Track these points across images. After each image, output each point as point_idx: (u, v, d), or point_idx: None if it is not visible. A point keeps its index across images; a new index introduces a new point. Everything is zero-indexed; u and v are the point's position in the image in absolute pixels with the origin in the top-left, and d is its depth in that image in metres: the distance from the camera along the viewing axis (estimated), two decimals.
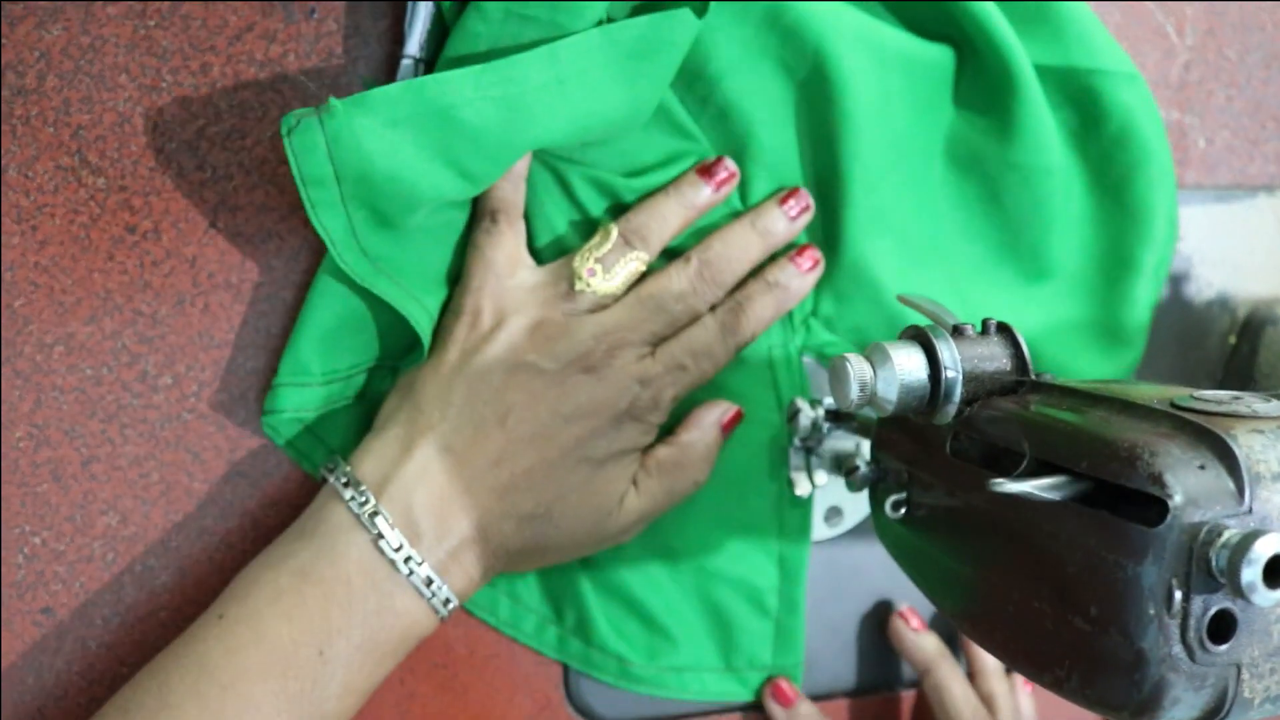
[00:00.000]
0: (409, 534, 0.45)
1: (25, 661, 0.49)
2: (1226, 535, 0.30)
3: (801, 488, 0.55)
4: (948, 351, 0.40)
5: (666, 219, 0.49)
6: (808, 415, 0.53)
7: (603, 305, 0.49)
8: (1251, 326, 0.63)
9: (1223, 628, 0.32)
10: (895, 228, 0.53)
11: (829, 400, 0.53)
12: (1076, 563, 0.33)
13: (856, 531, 0.58)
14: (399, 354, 0.51)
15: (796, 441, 0.54)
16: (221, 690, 0.42)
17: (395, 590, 0.45)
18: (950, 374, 0.40)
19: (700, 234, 0.51)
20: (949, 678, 0.56)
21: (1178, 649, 0.31)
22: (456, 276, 0.50)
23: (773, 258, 0.53)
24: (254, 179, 0.49)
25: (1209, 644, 0.31)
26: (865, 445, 0.49)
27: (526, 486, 0.47)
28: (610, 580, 0.53)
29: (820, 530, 0.57)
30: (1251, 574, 0.29)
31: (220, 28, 0.48)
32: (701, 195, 0.50)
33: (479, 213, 0.49)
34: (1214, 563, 0.30)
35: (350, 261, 0.45)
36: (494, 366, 0.47)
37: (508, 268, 0.48)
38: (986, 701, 0.56)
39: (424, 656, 0.53)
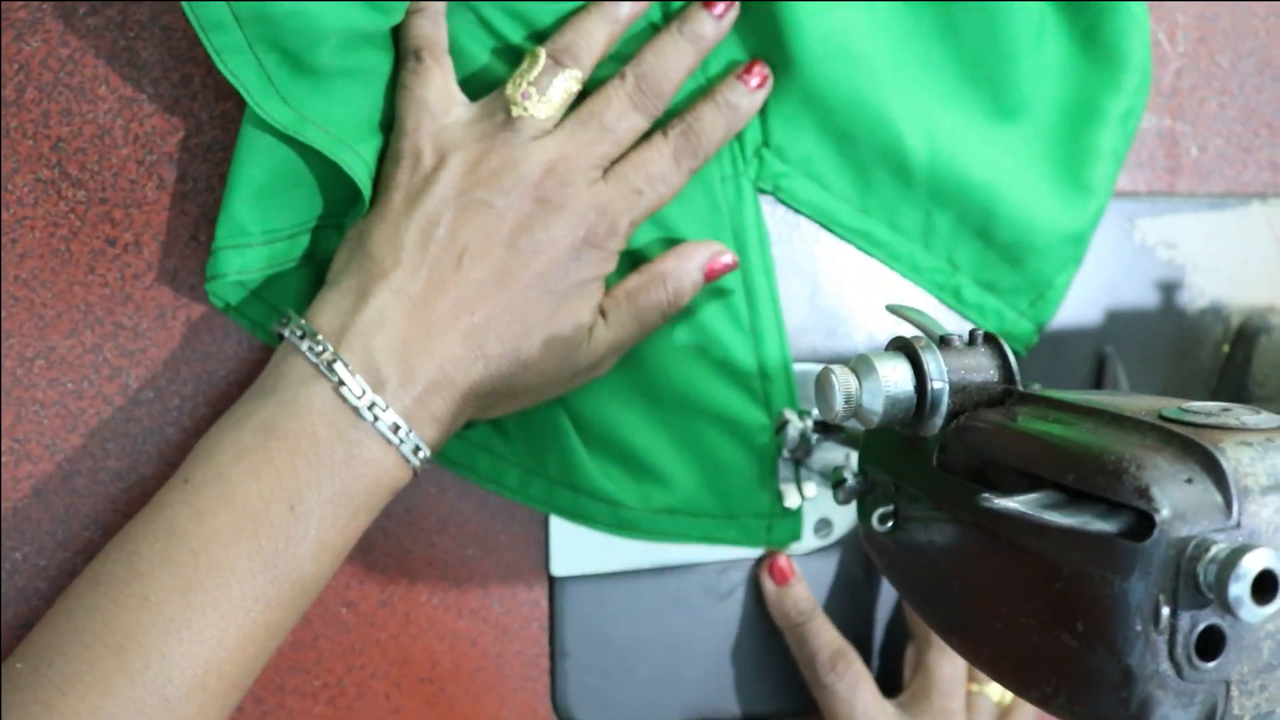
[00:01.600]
0: (372, 380, 0.44)
1: None
2: (1214, 550, 0.30)
3: (791, 499, 0.54)
4: (934, 363, 0.39)
5: (593, 35, 0.48)
6: (796, 426, 0.52)
7: (544, 132, 0.47)
8: (1245, 335, 0.62)
9: (1211, 644, 0.31)
10: (849, 54, 0.52)
11: (817, 411, 0.53)
12: (1062, 577, 0.33)
13: (845, 542, 0.57)
14: (343, 210, 0.49)
15: (785, 453, 0.54)
16: (193, 555, 0.41)
17: (362, 439, 0.44)
18: (936, 386, 0.39)
19: (623, 60, 0.50)
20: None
21: (1165, 666, 0.31)
22: (390, 126, 0.48)
23: (708, 69, 0.52)
24: None
25: (1197, 661, 0.31)
26: (854, 457, 0.49)
27: (490, 326, 0.46)
28: (594, 426, 0.52)
29: (809, 541, 0.56)
30: (1239, 589, 0.29)
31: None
32: (623, 8, 0.49)
33: (403, 54, 0.48)
34: (1201, 578, 0.30)
35: (271, 110, 0.44)
36: (442, 207, 0.46)
37: (441, 105, 0.47)
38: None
39: (410, 672, 0.53)
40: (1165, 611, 0.31)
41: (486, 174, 0.46)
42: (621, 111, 0.48)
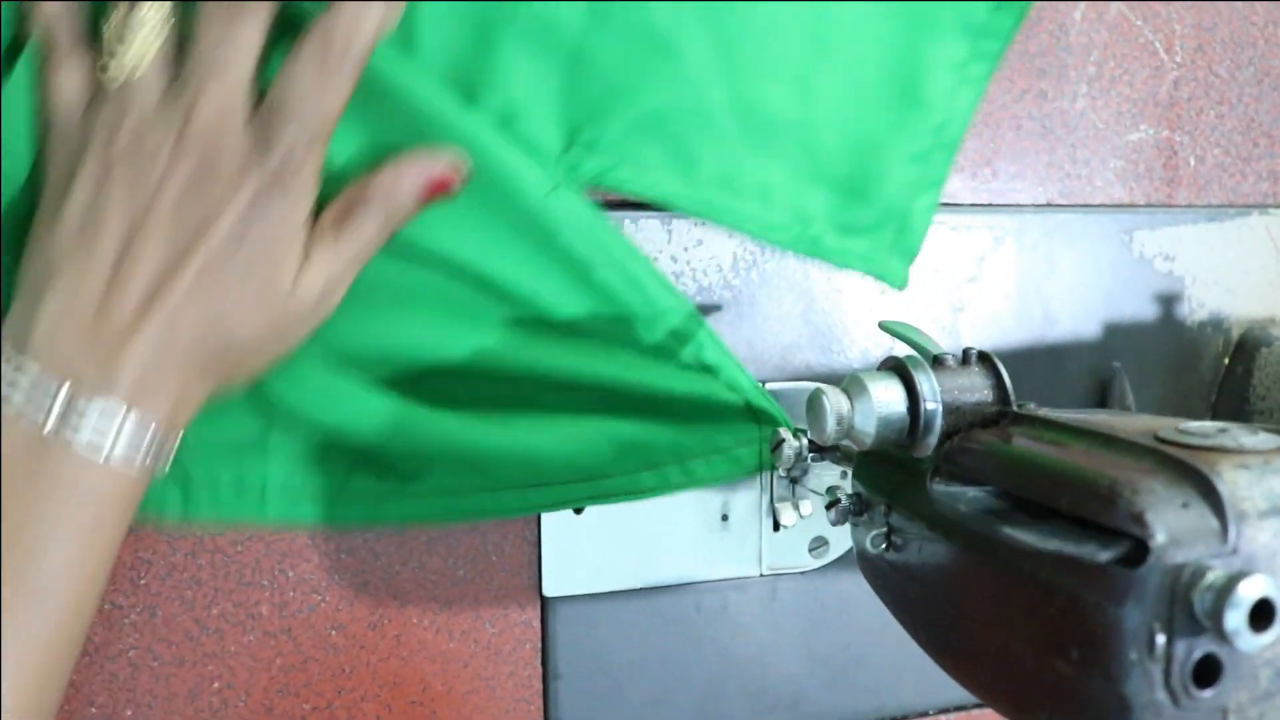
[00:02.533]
0: (59, 392, 0.39)
1: None
2: (1210, 577, 0.29)
3: (786, 518, 0.54)
4: (927, 383, 0.39)
5: None
6: (791, 446, 0.52)
7: (150, 79, 0.42)
8: (1245, 348, 0.62)
9: (1208, 672, 0.30)
10: (612, 19, 0.48)
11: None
12: (1057, 603, 0.32)
13: (842, 562, 0.56)
14: None
15: (781, 472, 0.53)
16: None
17: (64, 456, 0.39)
18: (929, 406, 0.39)
19: None
20: None
21: (1161, 694, 0.30)
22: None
23: None
24: None
25: (1194, 689, 0.30)
26: (851, 476, 0.48)
27: (182, 308, 0.41)
28: (556, 427, 0.49)
29: (806, 561, 0.56)
30: (1236, 618, 0.28)
31: None
32: None
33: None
34: (1197, 605, 0.29)
35: None
36: (90, 194, 0.41)
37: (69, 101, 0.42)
38: None
39: (401, 694, 0.52)
40: (1161, 639, 0.30)
41: (121, 148, 0.41)
42: (225, 24, 0.42)
